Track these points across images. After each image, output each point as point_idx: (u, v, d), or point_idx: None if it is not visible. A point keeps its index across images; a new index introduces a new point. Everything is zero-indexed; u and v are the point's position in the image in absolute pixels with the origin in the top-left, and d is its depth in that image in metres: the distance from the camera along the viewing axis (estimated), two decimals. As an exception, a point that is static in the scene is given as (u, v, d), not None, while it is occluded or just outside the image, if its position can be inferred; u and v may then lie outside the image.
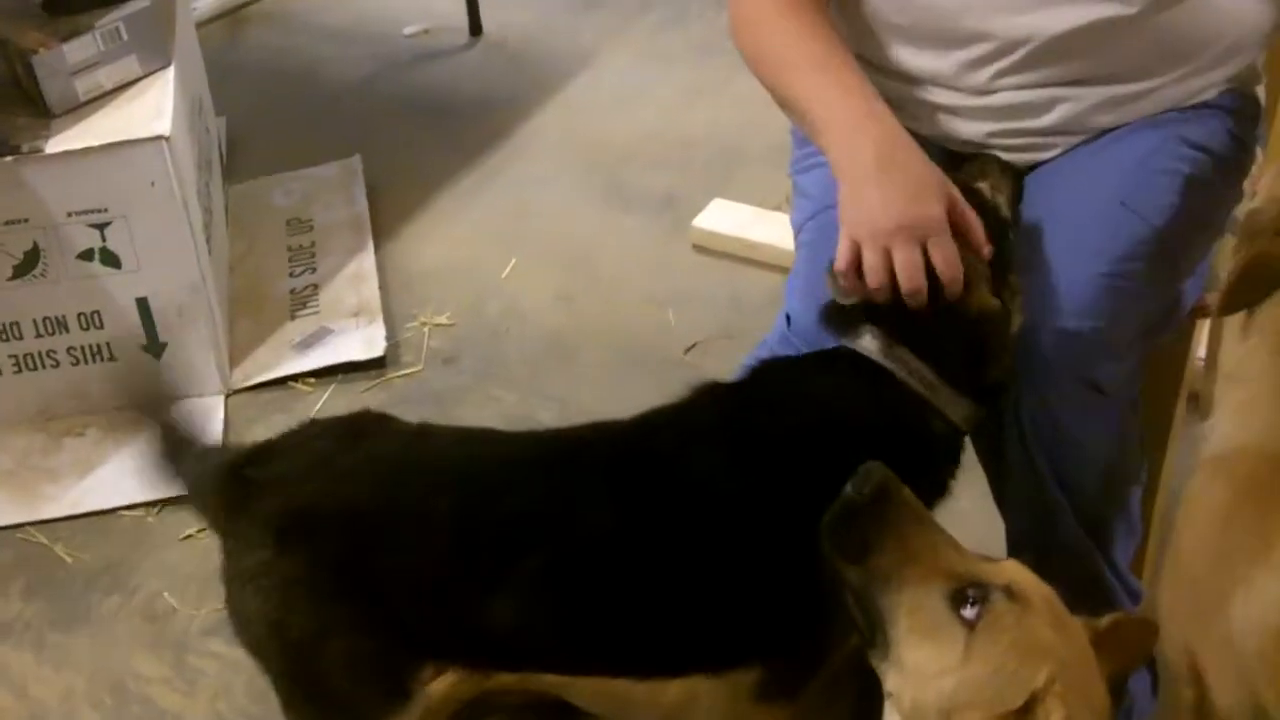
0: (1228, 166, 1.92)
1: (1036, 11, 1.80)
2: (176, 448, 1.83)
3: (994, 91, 1.88)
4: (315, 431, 1.80)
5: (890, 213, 1.58)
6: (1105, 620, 1.50)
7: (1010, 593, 1.37)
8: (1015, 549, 1.84)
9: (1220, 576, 1.55)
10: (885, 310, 1.61)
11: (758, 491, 1.61)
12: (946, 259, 1.57)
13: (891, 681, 1.41)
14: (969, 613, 1.36)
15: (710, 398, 1.71)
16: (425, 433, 1.79)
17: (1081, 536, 1.83)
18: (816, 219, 1.90)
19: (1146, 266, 1.76)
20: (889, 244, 1.57)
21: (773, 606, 1.62)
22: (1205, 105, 1.90)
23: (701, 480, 1.63)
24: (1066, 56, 1.83)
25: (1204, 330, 2.29)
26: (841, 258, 1.60)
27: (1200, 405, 2.63)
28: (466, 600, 1.63)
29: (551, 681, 2.04)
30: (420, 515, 1.64)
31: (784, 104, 1.81)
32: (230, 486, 1.70)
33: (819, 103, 1.71)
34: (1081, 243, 1.75)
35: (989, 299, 1.61)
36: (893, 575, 1.41)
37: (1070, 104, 1.87)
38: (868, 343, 1.63)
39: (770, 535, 1.60)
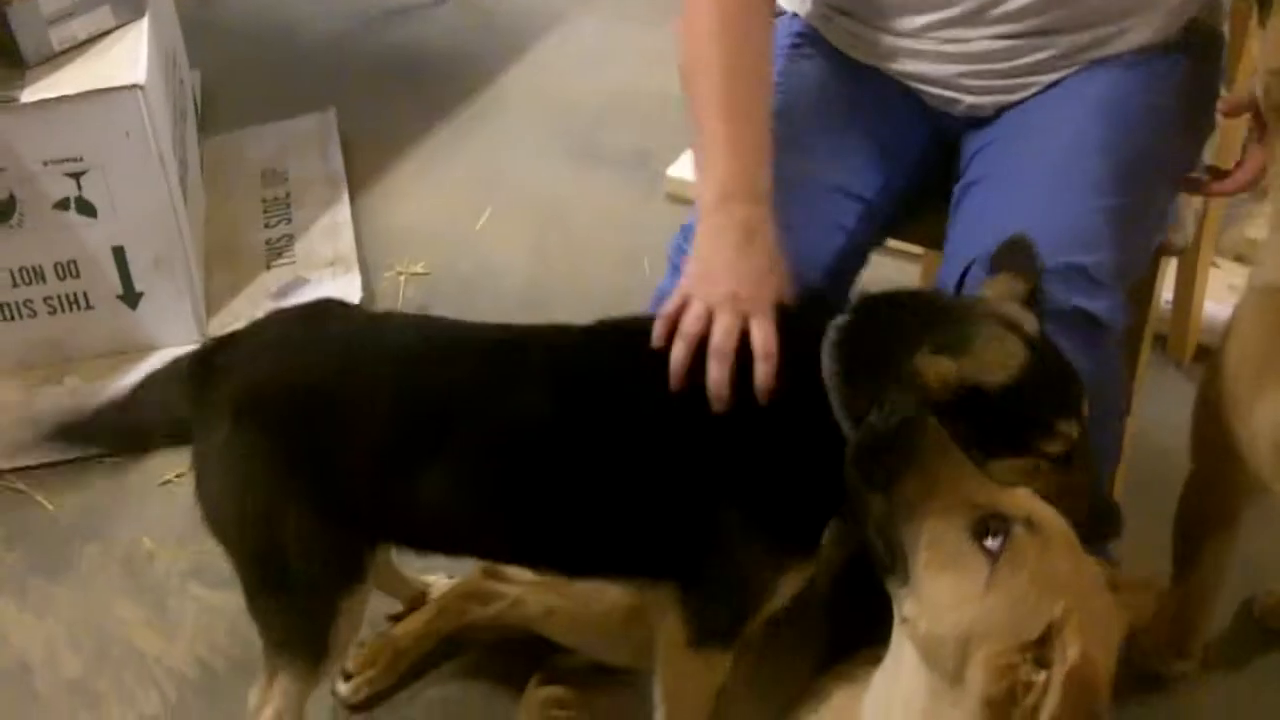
0: (1195, 102, 1.96)
1: None
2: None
3: (965, 41, 1.92)
4: (278, 317, 1.85)
5: (725, 284, 1.61)
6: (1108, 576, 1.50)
7: (1030, 525, 1.39)
8: None
9: (1254, 384, 1.75)
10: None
11: (673, 413, 1.62)
12: (764, 336, 1.58)
13: (908, 608, 1.42)
14: (991, 544, 1.37)
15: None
16: (384, 316, 1.82)
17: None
18: None
19: (1129, 200, 1.80)
20: (715, 306, 1.60)
21: (684, 522, 1.64)
22: (1172, 44, 1.94)
23: (631, 389, 1.65)
24: (1038, 11, 1.87)
25: (1170, 272, 2.32)
26: (669, 304, 1.64)
27: (1169, 348, 2.67)
28: (404, 477, 1.66)
29: (526, 615, 2.08)
30: (368, 391, 1.66)
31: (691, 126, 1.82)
32: (197, 373, 1.74)
33: (711, 155, 1.74)
34: (1066, 181, 1.79)
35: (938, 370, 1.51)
36: (915, 505, 1.42)
37: (1042, 51, 1.91)
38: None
39: (685, 458, 1.62)
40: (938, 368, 1.48)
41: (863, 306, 1.63)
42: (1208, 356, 1.91)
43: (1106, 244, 1.74)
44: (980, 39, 1.91)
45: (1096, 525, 1.56)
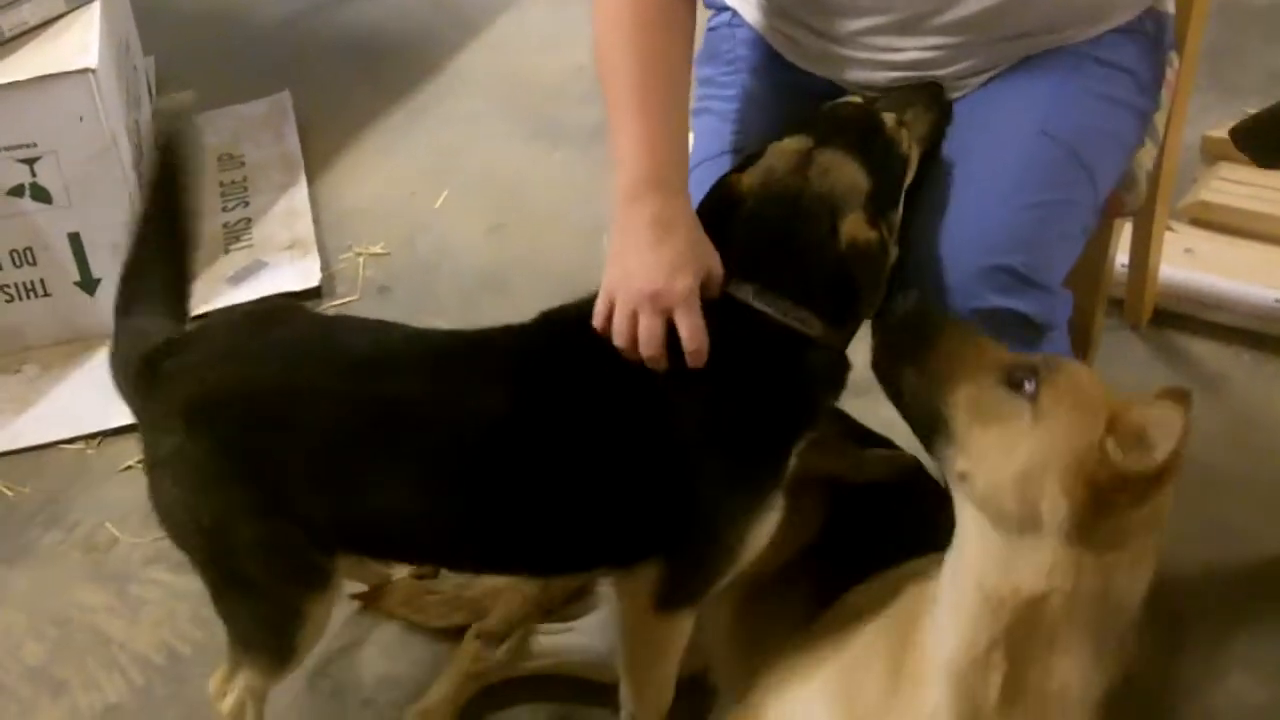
0: (1142, 81, 1.94)
1: None
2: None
3: (898, 50, 1.89)
4: (227, 319, 1.83)
5: (640, 282, 1.59)
6: None
7: (1052, 365, 1.47)
8: None
9: None
10: (756, 262, 1.64)
11: (640, 394, 1.63)
12: (690, 331, 1.58)
13: (961, 464, 1.47)
14: (1027, 388, 1.44)
15: None
16: (335, 320, 1.80)
17: None
18: (694, 172, 1.92)
19: (1069, 193, 1.79)
20: (637, 309, 1.59)
21: (659, 503, 1.64)
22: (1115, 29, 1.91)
23: (584, 379, 1.65)
24: (974, 27, 1.84)
25: (1124, 235, 2.32)
26: (598, 315, 1.63)
27: (1126, 312, 2.69)
28: (363, 485, 1.65)
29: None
30: (321, 398, 1.65)
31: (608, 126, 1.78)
32: (144, 377, 1.71)
33: (624, 151, 1.70)
34: (1003, 175, 1.77)
35: (864, 230, 1.62)
36: (945, 373, 1.51)
37: (977, 57, 1.87)
38: (741, 291, 1.64)
39: (653, 437, 1.62)
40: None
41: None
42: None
43: (1040, 242, 1.74)
44: (913, 49, 1.88)
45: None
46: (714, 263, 1.63)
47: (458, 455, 1.64)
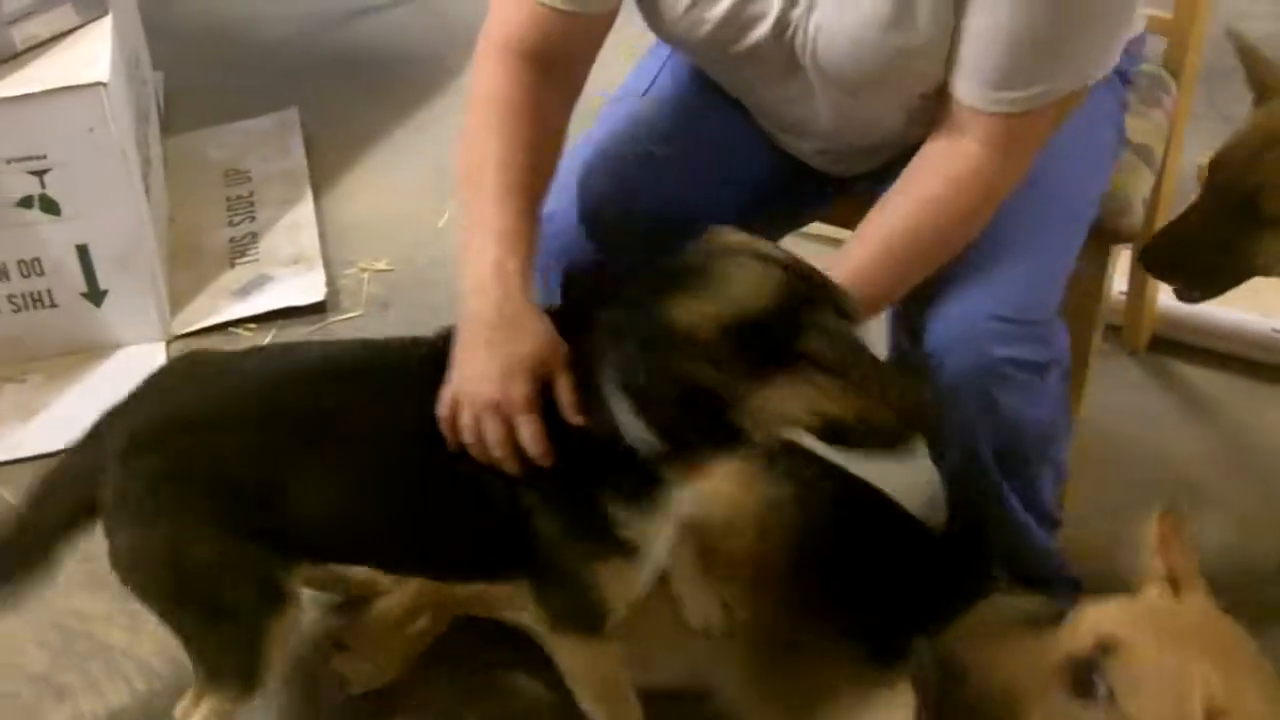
0: (1097, 123, 1.98)
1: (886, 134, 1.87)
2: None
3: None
4: (158, 371, 1.90)
5: (482, 386, 1.60)
6: None
7: (1106, 647, 1.39)
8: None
9: None
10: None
11: None
12: (529, 440, 1.58)
13: None
14: (1100, 690, 1.37)
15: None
16: (255, 350, 1.96)
17: (1016, 508, 1.89)
18: (620, 102, 2.01)
19: (1060, 236, 1.87)
20: (480, 414, 1.60)
21: (504, 522, 1.67)
22: None
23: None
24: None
25: (1123, 261, 2.34)
26: (443, 409, 1.64)
27: (1124, 337, 2.70)
28: (288, 495, 1.71)
29: None
30: (244, 415, 1.73)
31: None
32: (87, 444, 1.80)
33: (474, 237, 1.70)
34: (1000, 232, 1.77)
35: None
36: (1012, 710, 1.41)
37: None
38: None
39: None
40: (695, 311, 1.48)
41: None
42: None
43: (1053, 293, 1.81)
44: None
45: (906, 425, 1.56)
46: (554, 361, 1.61)
47: (353, 461, 1.71)
